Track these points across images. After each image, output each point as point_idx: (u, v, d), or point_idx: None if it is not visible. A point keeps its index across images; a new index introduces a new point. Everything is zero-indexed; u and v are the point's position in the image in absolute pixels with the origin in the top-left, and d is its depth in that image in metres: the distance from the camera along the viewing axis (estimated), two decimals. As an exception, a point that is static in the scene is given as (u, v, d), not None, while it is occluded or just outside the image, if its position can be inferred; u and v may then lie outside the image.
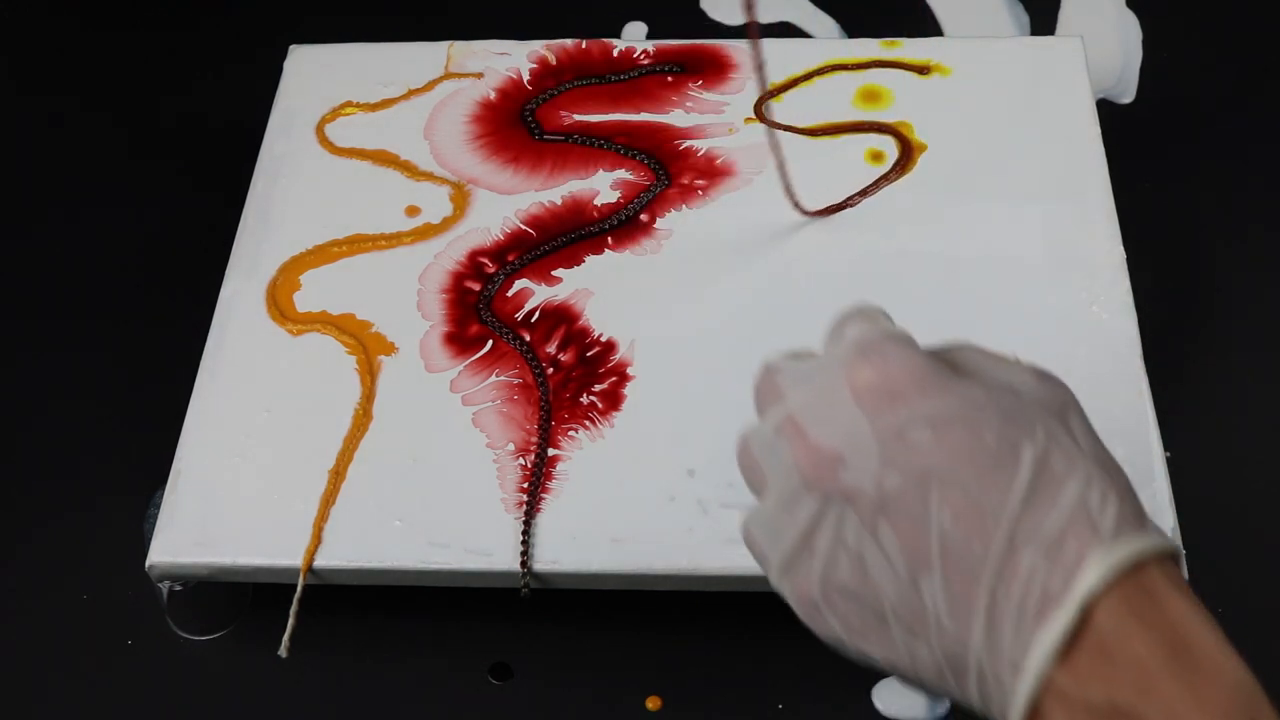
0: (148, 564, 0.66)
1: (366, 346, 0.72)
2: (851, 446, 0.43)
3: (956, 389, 0.43)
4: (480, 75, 0.84)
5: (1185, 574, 0.44)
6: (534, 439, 0.68)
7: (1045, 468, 0.41)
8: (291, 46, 0.86)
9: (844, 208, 0.74)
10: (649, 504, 0.65)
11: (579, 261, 0.75)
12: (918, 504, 0.41)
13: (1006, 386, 0.44)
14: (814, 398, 0.44)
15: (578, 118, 0.81)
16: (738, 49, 0.84)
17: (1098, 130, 0.78)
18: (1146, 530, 0.42)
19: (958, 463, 0.41)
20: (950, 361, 0.46)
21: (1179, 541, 0.42)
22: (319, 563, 0.65)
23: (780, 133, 0.71)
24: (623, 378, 0.70)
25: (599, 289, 0.74)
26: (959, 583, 0.41)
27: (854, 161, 0.78)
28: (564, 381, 0.70)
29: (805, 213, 0.73)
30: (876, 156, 0.78)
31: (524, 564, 0.64)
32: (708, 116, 0.81)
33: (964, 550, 0.41)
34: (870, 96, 0.81)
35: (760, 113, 0.51)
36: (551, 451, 0.67)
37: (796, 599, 0.45)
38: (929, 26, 0.94)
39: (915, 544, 0.42)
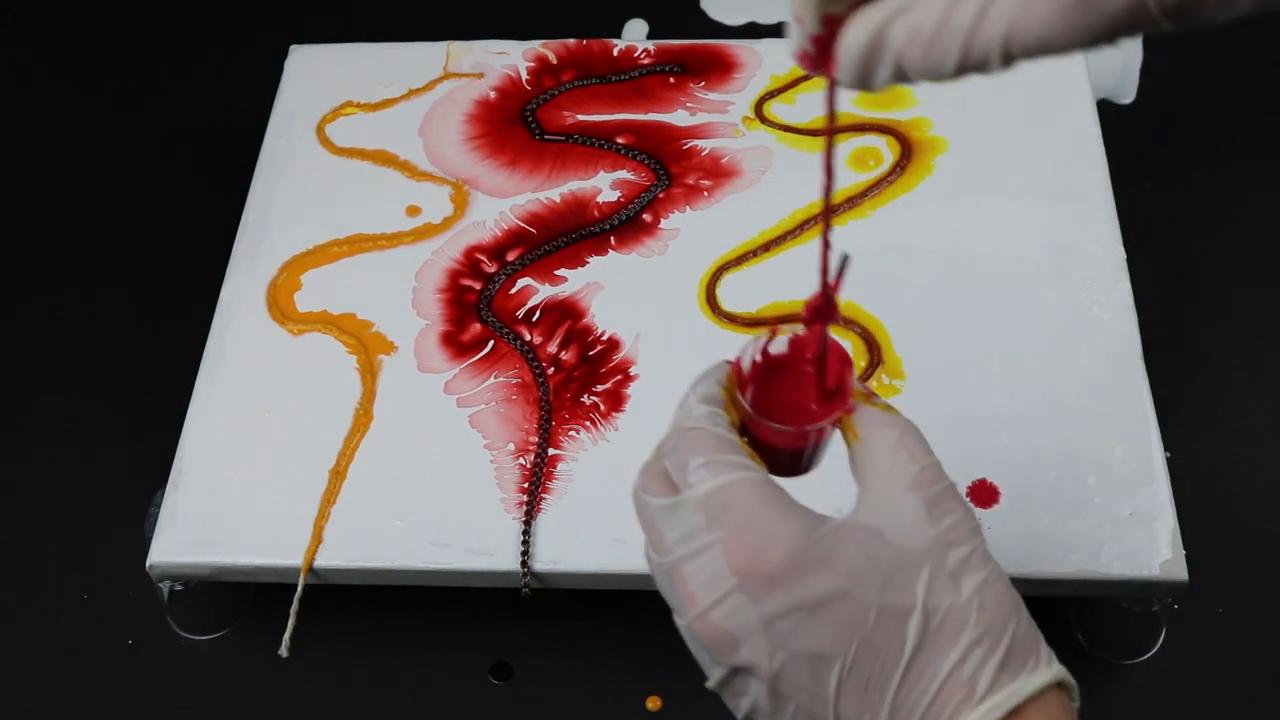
0: (148, 563, 0.66)
1: (367, 346, 0.72)
2: (742, 629, 0.43)
3: (832, 559, 0.43)
4: (480, 75, 0.84)
5: (1076, 700, 0.44)
6: (534, 439, 0.68)
7: (924, 633, 0.42)
8: (292, 46, 0.86)
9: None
10: (650, 504, 0.65)
11: (582, 262, 0.75)
12: (809, 679, 0.43)
13: (887, 532, 0.44)
14: (697, 567, 0.44)
15: (580, 118, 0.81)
16: (740, 49, 0.84)
17: (1098, 131, 0.78)
18: (1026, 671, 0.43)
19: (840, 640, 0.42)
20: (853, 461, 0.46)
21: (1067, 674, 0.44)
22: (319, 562, 0.65)
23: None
24: (626, 377, 0.70)
25: (602, 289, 0.74)
26: None
27: (837, 165, 0.77)
28: (565, 381, 0.70)
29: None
30: (860, 160, 0.78)
31: (524, 564, 0.64)
32: (713, 116, 0.81)
33: None
34: (872, 98, 0.80)
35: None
36: (552, 451, 0.67)
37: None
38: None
39: (813, 712, 0.43)
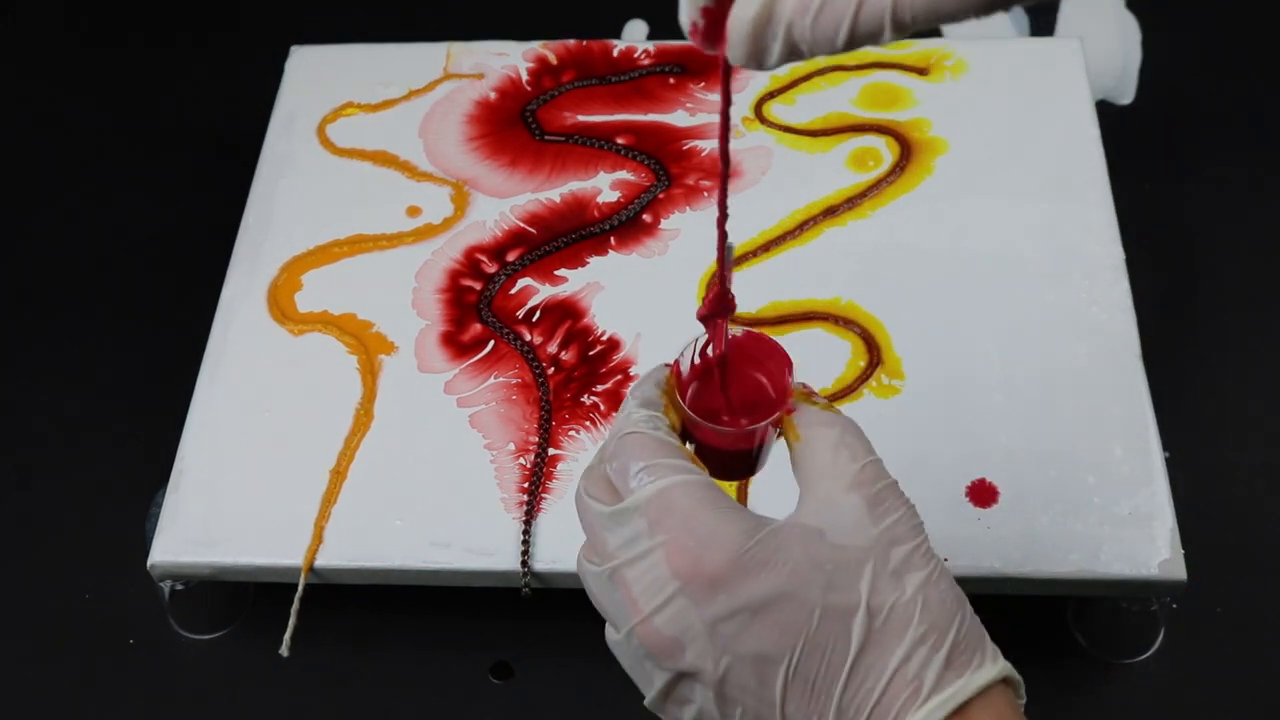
0: (149, 563, 0.66)
1: (367, 346, 0.72)
2: (686, 633, 0.43)
3: (774, 560, 0.43)
4: (480, 76, 0.84)
5: (1022, 696, 0.44)
6: (534, 439, 0.68)
7: (869, 632, 0.42)
8: (292, 47, 0.86)
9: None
10: (649, 504, 0.65)
11: (582, 262, 0.75)
12: (755, 681, 0.43)
13: (829, 532, 0.44)
14: (639, 572, 0.44)
15: (580, 118, 0.82)
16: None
17: (1097, 131, 0.78)
18: (972, 668, 0.42)
19: (785, 642, 0.42)
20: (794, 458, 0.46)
21: (1012, 670, 0.44)
22: (320, 562, 0.65)
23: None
24: (626, 377, 0.70)
25: (602, 289, 0.74)
26: None
27: (835, 166, 0.78)
28: (565, 381, 0.70)
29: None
30: (860, 160, 0.78)
31: (524, 564, 0.64)
32: (713, 116, 0.81)
33: None
34: (872, 98, 0.81)
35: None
36: (552, 451, 0.68)
37: None
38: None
39: (760, 715, 0.43)
